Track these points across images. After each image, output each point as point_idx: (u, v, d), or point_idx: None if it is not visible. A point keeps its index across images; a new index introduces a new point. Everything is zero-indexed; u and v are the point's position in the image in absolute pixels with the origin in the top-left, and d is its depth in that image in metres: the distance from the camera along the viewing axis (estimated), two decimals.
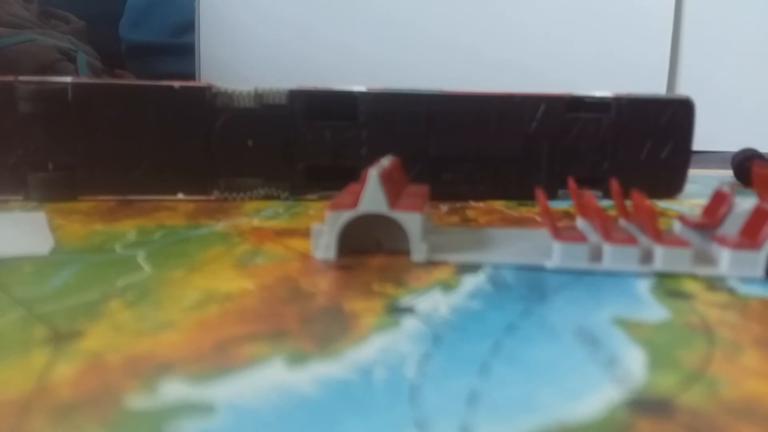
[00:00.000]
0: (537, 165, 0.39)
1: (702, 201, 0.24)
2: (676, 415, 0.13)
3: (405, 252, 0.24)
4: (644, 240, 0.24)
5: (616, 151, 0.39)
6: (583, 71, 0.71)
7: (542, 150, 0.39)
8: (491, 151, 0.38)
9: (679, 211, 0.36)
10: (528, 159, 0.39)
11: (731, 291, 0.21)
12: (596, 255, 0.24)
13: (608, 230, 0.23)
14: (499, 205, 0.36)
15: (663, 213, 0.35)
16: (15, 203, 0.34)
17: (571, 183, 0.27)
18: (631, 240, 0.23)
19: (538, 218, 0.33)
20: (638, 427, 0.13)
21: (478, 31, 0.72)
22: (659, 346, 0.17)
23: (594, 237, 0.24)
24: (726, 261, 0.23)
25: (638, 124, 0.39)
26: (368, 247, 0.25)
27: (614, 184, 0.26)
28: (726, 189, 0.26)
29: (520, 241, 0.27)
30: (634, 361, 0.16)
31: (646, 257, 0.23)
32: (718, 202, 0.26)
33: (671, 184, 0.40)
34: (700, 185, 0.45)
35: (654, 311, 0.19)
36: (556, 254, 0.24)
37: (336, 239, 0.24)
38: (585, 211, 0.26)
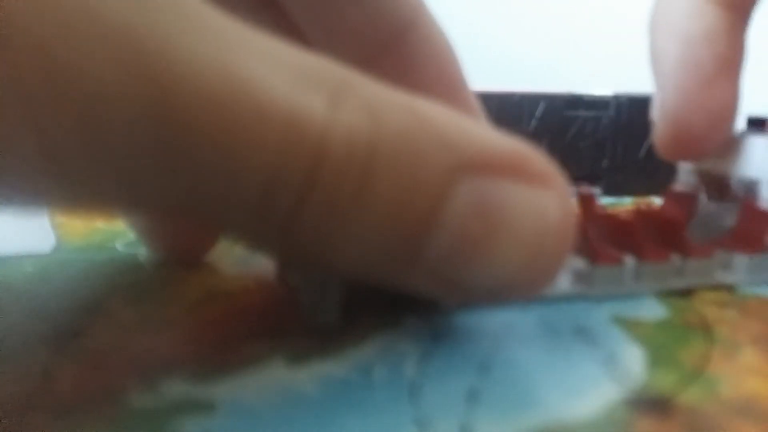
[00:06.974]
0: None
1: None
2: (675, 414, 0.13)
3: None
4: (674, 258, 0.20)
5: (615, 148, 0.39)
6: (583, 69, 0.71)
7: (541, 148, 0.39)
8: None
9: None
10: None
11: (730, 289, 0.22)
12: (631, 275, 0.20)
13: (642, 246, 0.20)
14: None
15: None
16: None
17: None
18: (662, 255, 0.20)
19: None
20: (637, 425, 0.13)
21: (478, 30, 0.72)
22: (658, 344, 0.17)
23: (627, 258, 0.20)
24: (743, 267, 0.21)
25: (638, 122, 0.39)
26: None
27: None
28: (682, 189, 0.23)
29: None
30: (633, 360, 0.16)
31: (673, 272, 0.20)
32: (676, 205, 0.23)
33: (670, 181, 0.40)
34: None
35: (653, 309, 0.19)
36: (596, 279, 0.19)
37: None
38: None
